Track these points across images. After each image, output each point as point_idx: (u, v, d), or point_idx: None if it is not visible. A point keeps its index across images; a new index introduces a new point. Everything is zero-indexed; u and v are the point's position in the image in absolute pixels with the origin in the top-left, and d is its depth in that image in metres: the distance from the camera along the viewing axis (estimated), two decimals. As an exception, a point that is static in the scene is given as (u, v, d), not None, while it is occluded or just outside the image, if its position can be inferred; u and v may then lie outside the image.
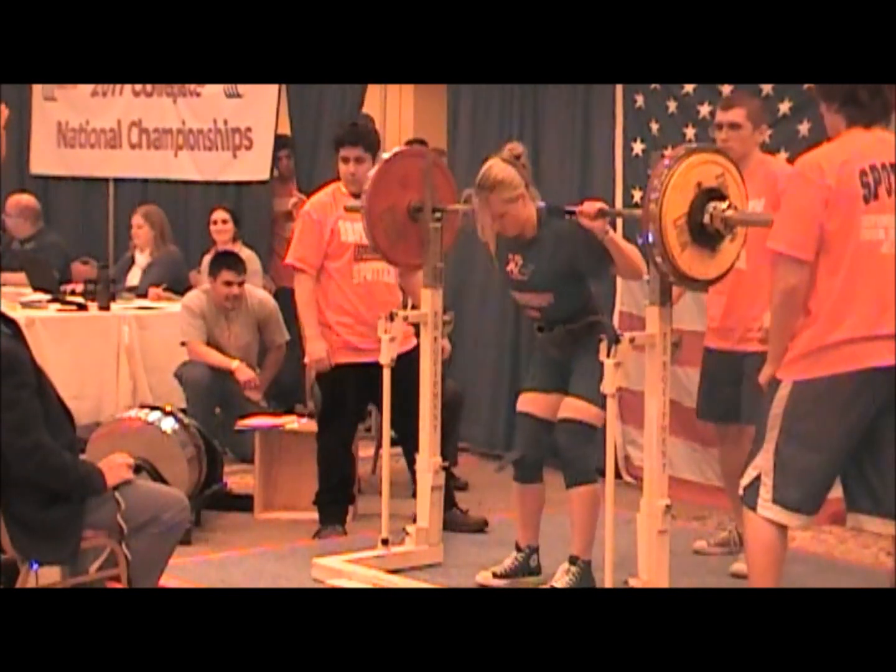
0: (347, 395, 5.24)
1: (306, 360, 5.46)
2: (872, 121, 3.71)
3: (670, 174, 3.91)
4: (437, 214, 5.02)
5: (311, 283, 5.41)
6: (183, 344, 6.50)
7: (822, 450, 3.67)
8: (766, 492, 3.72)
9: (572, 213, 4.46)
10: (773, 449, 3.72)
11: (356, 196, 5.26)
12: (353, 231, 5.38)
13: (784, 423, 3.69)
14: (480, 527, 5.57)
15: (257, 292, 6.79)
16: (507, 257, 4.61)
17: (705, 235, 3.96)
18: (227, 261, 6.64)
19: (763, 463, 3.74)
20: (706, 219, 3.92)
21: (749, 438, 4.98)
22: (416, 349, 5.17)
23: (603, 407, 4.28)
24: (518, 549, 4.84)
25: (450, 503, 5.53)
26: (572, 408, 4.53)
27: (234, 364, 6.43)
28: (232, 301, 6.54)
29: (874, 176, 3.62)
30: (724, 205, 3.93)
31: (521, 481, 4.78)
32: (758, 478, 3.74)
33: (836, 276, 3.63)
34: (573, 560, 4.59)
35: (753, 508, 3.75)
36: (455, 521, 5.52)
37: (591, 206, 4.35)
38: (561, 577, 4.57)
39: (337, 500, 5.51)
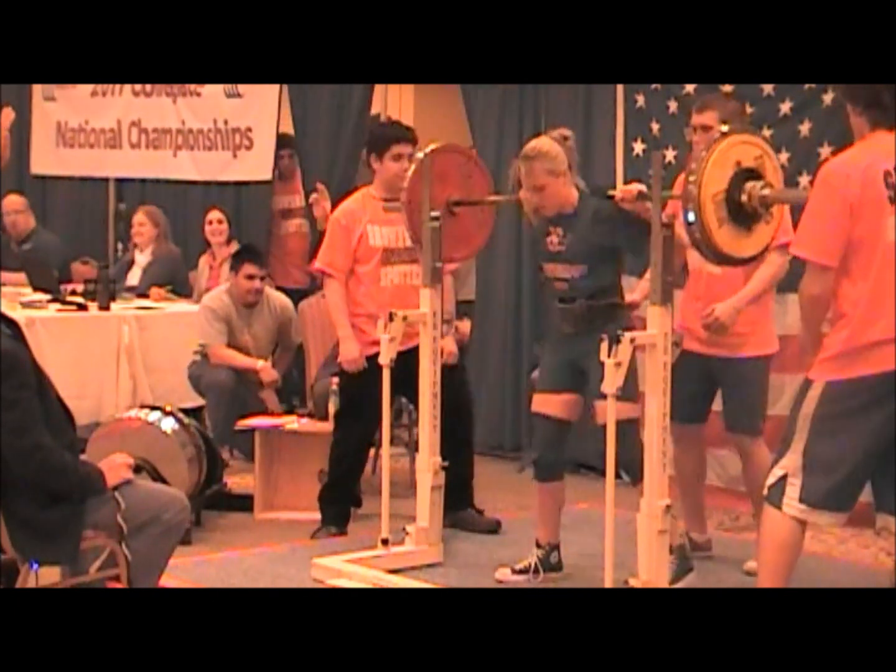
0: (370, 389, 5.17)
1: (340, 359, 5.48)
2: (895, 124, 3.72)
3: (711, 151, 3.97)
4: (434, 214, 5.03)
5: (341, 286, 5.47)
6: (201, 346, 6.48)
7: (850, 449, 3.68)
8: (793, 491, 3.74)
9: (612, 197, 4.54)
10: (801, 449, 3.74)
11: (386, 201, 5.37)
12: (382, 235, 5.45)
13: (814, 424, 3.72)
14: (493, 528, 5.57)
15: (280, 297, 6.80)
16: (548, 229, 4.71)
17: (742, 214, 3.99)
18: (250, 254, 6.67)
19: (790, 463, 3.76)
20: (744, 197, 3.96)
21: (703, 441, 5.07)
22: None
23: (630, 399, 4.32)
24: (538, 545, 4.89)
25: (466, 503, 5.58)
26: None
27: (260, 364, 6.45)
28: (254, 295, 6.55)
29: None
30: (761, 184, 3.97)
31: (541, 480, 4.84)
32: (783, 477, 3.76)
33: (867, 279, 3.66)
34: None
35: (778, 507, 3.77)
36: (469, 520, 5.55)
37: (629, 191, 4.43)
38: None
39: (341, 499, 5.50)
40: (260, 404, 6.37)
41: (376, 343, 5.08)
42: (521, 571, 4.85)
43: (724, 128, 4.14)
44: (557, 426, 4.72)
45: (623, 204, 4.45)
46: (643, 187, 4.51)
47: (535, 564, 4.85)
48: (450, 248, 5.19)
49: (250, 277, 6.52)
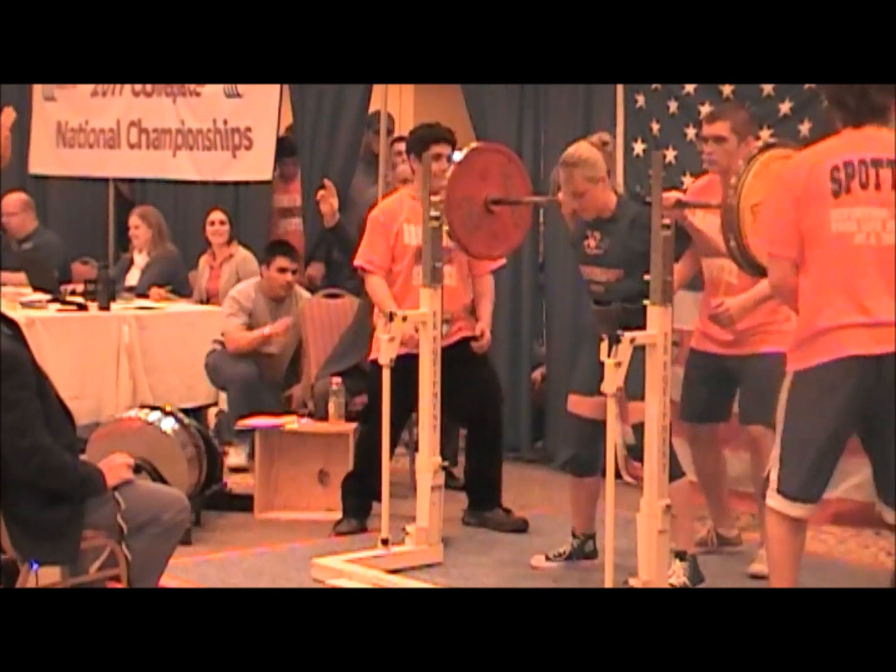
0: (398, 387, 5.11)
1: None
2: (861, 122, 3.80)
3: (752, 162, 4.06)
4: (435, 213, 5.05)
5: (382, 280, 5.51)
6: (222, 335, 6.60)
7: (813, 438, 3.77)
8: (773, 482, 3.82)
9: (650, 203, 4.54)
10: (779, 441, 3.83)
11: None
12: (416, 234, 5.46)
13: (786, 414, 3.82)
14: (521, 527, 5.59)
15: (307, 294, 6.84)
16: (587, 233, 4.81)
17: None
18: (281, 248, 6.74)
19: (773, 455, 3.86)
20: None
21: (718, 440, 5.11)
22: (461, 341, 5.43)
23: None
24: (574, 535, 5.06)
25: (494, 503, 5.62)
26: (641, 411, 4.51)
27: (267, 329, 6.52)
28: (286, 288, 6.62)
29: (847, 171, 3.74)
30: None
31: (577, 475, 4.98)
32: (770, 470, 3.85)
33: (812, 270, 3.77)
34: (681, 555, 4.65)
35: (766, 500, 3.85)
36: (497, 520, 5.58)
37: (668, 199, 4.47)
38: (675, 574, 4.57)
39: (363, 491, 5.47)
40: (277, 402, 6.35)
41: (403, 343, 5.06)
42: (555, 557, 5.02)
43: (770, 140, 4.22)
44: (592, 424, 4.79)
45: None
46: (681, 195, 4.64)
47: (571, 552, 5.02)
48: (487, 246, 5.29)
49: (282, 270, 6.61)
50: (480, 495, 5.51)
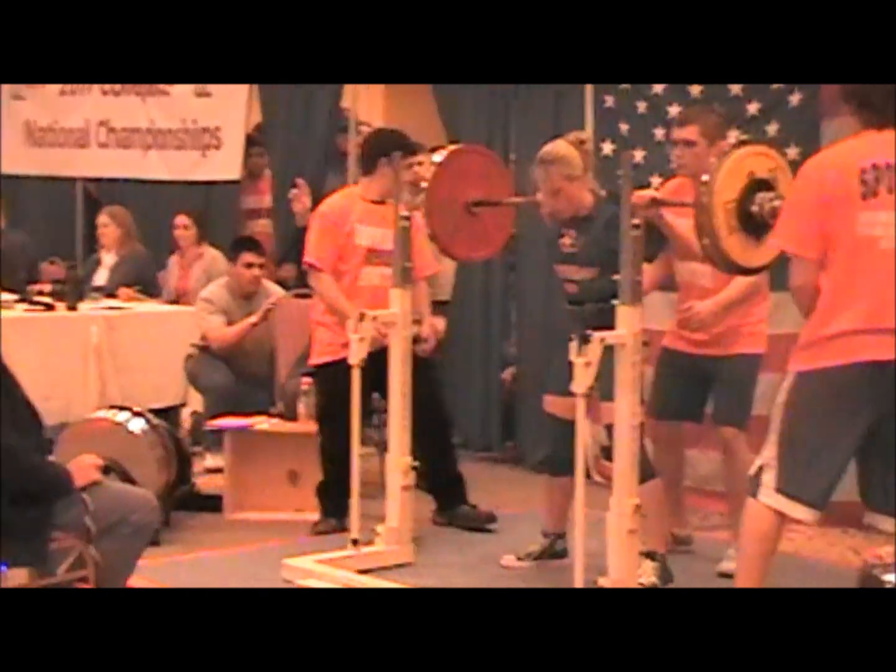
0: (348, 390, 5.14)
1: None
2: (885, 123, 3.77)
3: (725, 159, 4.03)
4: (406, 214, 5.05)
5: (331, 278, 5.49)
6: (202, 339, 6.59)
7: (822, 441, 3.74)
8: (770, 480, 3.79)
9: None
10: (776, 440, 3.80)
11: (375, 203, 5.48)
12: (368, 235, 5.48)
13: (787, 414, 3.79)
14: (489, 522, 5.62)
15: (277, 288, 6.83)
16: (562, 232, 4.82)
17: (752, 224, 4.03)
18: (247, 243, 6.74)
19: (768, 453, 3.82)
20: (755, 207, 4.00)
21: (682, 440, 5.14)
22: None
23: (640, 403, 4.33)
24: (545, 535, 5.07)
25: (460, 500, 5.63)
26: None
27: (252, 318, 6.51)
28: (254, 283, 6.62)
29: (875, 174, 3.70)
30: (772, 195, 4.01)
31: (552, 475, 4.98)
32: (762, 468, 3.82)
33: (834, 271, 3.72)
34: (651, 555, 4.67)
35: (755, 496, 3.82)
36: (465, 516, 5.60)
37: (642, 197, 4.45)
38: (645, 574, 4.61)
39: (339, 493, 5.45)
40: (255, 403, 6.36)
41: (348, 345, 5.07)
42: (526, 557, 5.04)
43: (743, 137, 4.21)
44: (568, 424, 4.74)
45: (636, 210, 4.45)
46: (657, 194, 4.63)
47: (541, 551, 5.04)
48: (469, 248, 5.30)
49: (249, 265, 6.60)
50: (447, 494, 5.51)
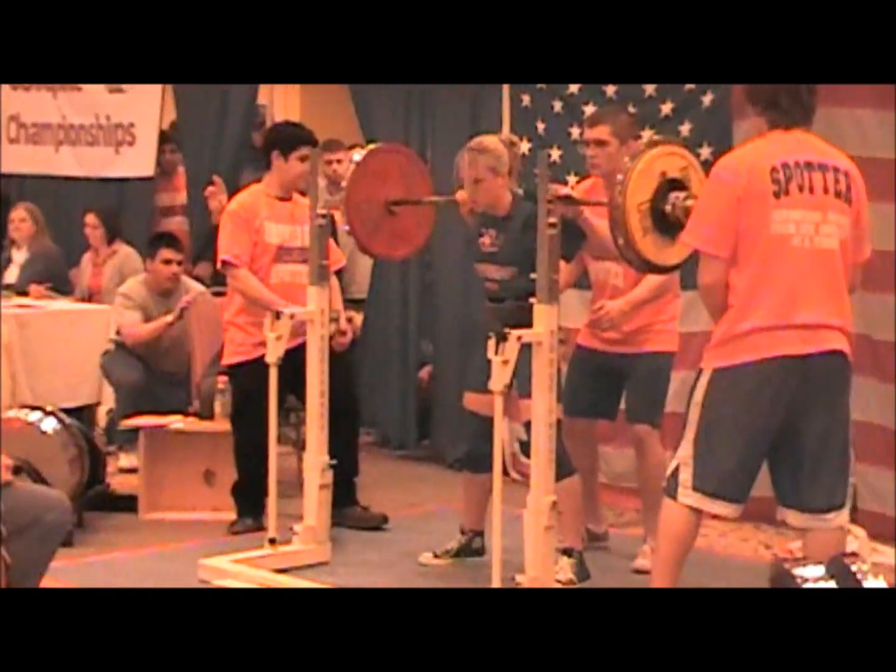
0: (262, 390, 5.14)
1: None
2: (792, 124, 3.83)
3: (637, 161, 4.04)
4: (323, 211, 5.06)
5: (249, 273, 5.45)
6: (118, 333, 6.53)
7: (738, 437, 3.78)
8: (686, 479, 3.83)
9: None
10: (693, 437, 3.83)
11: (281, 199, 5.50)
12: (277, 233, 5.47)
13: (703, 411, 3.82)
14: (380, 523, 5.59)
15: (196, 285, 6.75)
16: (482, 231, 4.87)
17: (666, 223, 4.05)
18: (166, 239, 6.65)
19: (684, 452, 3.85)
20: (668, 207, 4.03)
21: (595, 437, 5.18)
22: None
23: (557, 401, 4.35)
24: (462, 532, 5.09)
25: (351, 500, 5.58)
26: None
27: (170, 317, 6.44)
28: (172, 280, 6.54)
29: (786, 173, 3.75)
30: (685, 194, 4.04)
31: (472, 472, 5.00)
32: (678, 467, 3.85)
33: (748, 269, 3.76)
34: (568, 552, 4.70)
35: (673, 497, 3.85)
36: (355, 517, 5.56)
37: (556, 189, 4.46)
38: (562, 571, 4.64)
39: (255, 491, 5.42)
40: (173, 401, 6.29)
41: (264, 343, 5.04)
42: (443, 554, 5.06)
43: (655, 137, 4.23)
44: (487, 421, 4.74)
45: (554, 208, 4.46)
46: (569, 191, 4.66)
47: (459, 549, 5.07)
48: (389, 246, 5.29)
49: (167, 262, 6.53)
50: (338, 492, 5.44)
